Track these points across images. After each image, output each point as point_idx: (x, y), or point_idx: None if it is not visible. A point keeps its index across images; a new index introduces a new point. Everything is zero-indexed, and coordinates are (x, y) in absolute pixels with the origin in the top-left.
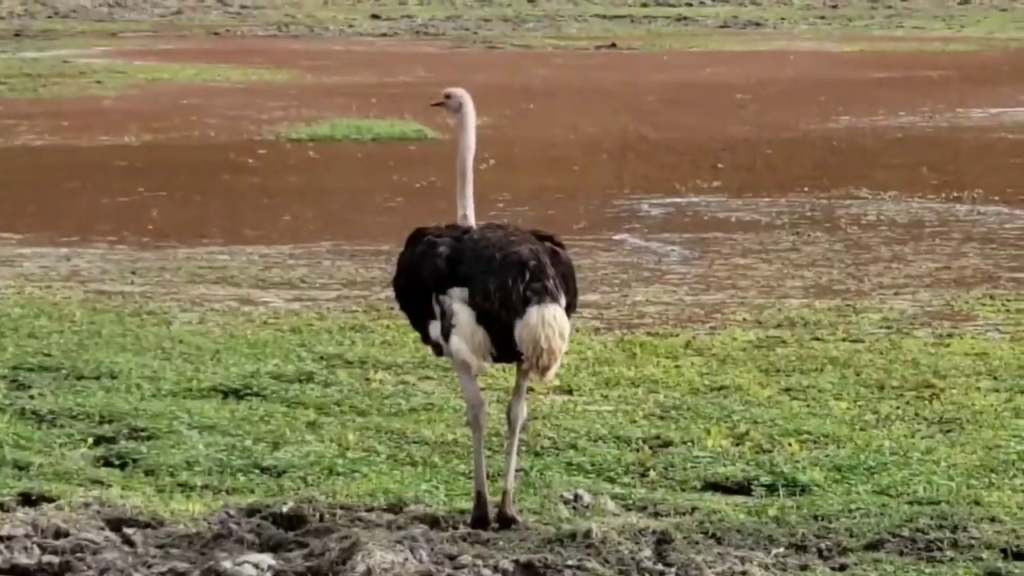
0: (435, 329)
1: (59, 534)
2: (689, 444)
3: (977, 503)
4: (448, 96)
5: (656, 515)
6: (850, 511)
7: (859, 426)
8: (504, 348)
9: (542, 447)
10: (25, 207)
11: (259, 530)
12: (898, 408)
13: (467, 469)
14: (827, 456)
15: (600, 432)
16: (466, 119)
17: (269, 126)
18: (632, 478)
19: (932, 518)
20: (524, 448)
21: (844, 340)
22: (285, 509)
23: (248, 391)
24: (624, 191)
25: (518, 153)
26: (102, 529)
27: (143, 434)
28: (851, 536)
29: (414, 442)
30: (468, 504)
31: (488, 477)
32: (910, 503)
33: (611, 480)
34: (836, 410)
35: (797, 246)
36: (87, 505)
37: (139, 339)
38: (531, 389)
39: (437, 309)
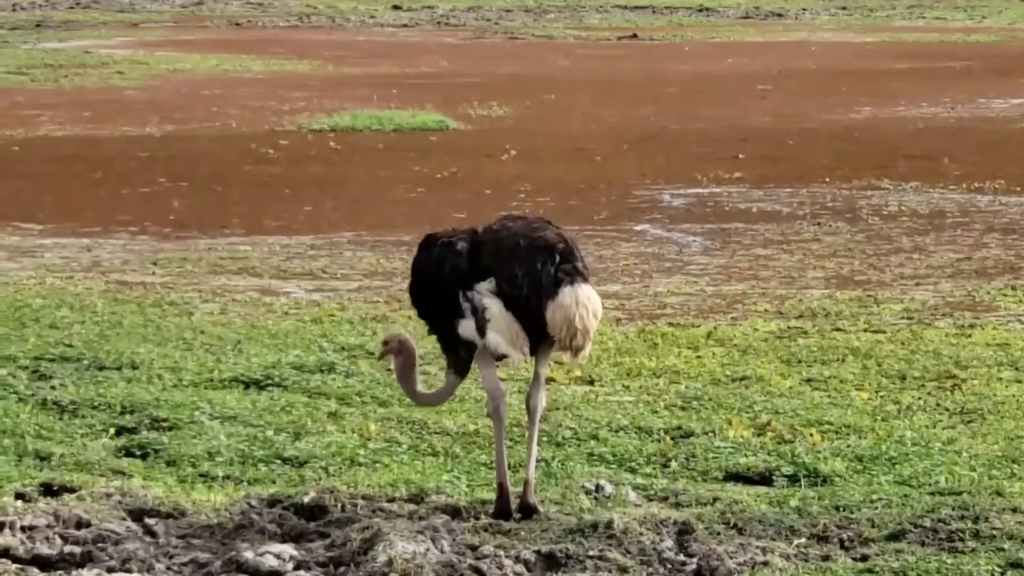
0: (468, 328)
1: (81, 524)
2: (710, 434)
3: (999, 494)
4: (386, 343)
5: (677, 505)
6: (872, 502)
7: (881, 416)
8: (535, 335)
9: (563, 437)
10: (46, 197)
11: (281, 520)
12: (920, 399)
13: (489, 459)
14: (849, 447)
15: (621, 422)
16: (413, 355)
17: (290, 117)
18: (653, 468)
19: (954, 509)
20: (546, 439)
21: (865, 331)
22: (307, 499)
23: (270, 381)
24: (645, 181)
25: (539, 144)
26: (124, 519)
27: (164, 424)
28: (873, 527)
29: (436, 432)
30: (490, 494)
31: (510, 468)
32: (932, 494)
33: (632, 470)
34: (858, 401)
35: (818, 236)
36: (108, 495)
37: (160, 329)
38: (552, 379)
39: (467, 306)
